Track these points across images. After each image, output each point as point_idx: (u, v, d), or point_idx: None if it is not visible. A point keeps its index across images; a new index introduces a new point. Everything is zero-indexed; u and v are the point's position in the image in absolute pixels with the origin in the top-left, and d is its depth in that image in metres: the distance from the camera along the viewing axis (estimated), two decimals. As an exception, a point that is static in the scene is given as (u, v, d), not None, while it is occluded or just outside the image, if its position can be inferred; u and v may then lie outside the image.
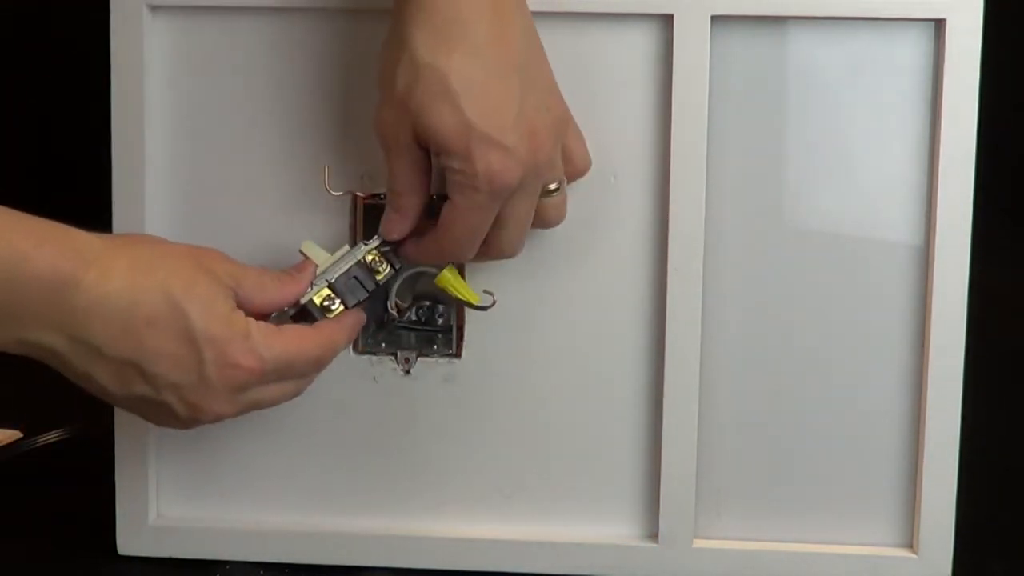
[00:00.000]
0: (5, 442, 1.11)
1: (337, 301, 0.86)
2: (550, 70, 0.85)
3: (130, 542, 0.95)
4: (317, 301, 0.85)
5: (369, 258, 0.87)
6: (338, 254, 0.87)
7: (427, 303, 0.94)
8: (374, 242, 0.87)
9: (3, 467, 1.09)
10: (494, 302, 0.91)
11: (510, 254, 0.86)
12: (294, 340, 0.82)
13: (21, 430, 1.13)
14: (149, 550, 0.95)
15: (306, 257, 0.87)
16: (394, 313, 0.92)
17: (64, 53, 1.27)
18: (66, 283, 0.76)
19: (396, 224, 0.86)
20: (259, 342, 0.80)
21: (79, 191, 1.09)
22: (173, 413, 0.81)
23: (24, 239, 0.76)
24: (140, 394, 0.79)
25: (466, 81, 0.80)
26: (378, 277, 0.87)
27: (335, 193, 0.90)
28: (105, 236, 0.80)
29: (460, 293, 0.90)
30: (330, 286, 0.86)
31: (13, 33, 1.29)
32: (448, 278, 0.90)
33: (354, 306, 0.86)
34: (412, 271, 0.90)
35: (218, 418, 0.82)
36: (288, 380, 0.84)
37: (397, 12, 0.82)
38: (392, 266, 0.87)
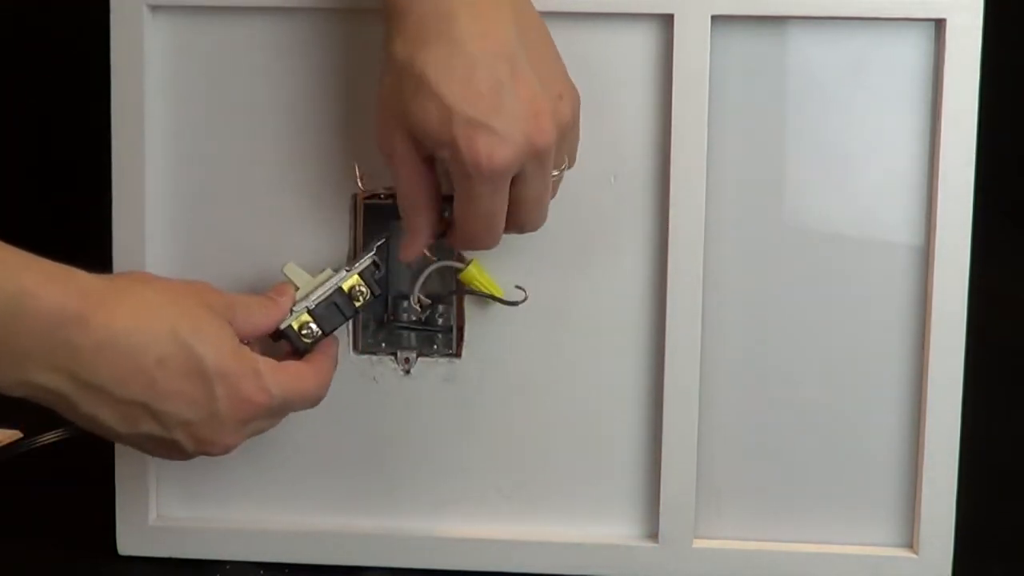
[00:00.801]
0: (5, 442, 1.11)
1: (314, 326, 0.86)
2: (556, 56, 0.84)
3: (130, 542, 0.95)
4: (296, 327, 0.86)
5: (349, 284, 0.87)
6: (320, 277, 0.87)
7: (428, 303, 0.93)
8: (357, 268, 0.87)
9: (3, 467, 1.08)
10: (525, 297, 0.91)
11: (531, 230, 0.86)
12: (297, 377, 0.84)
13: (21, 430, 1.13)
14: (149, 550, 0.95)
15: (288, 279, 0.87)
16: (416, 307, 0.92)
17: (64, 53, 1.27)
18: (73, 322, 0.76)
19: (410, 248, 0.86)
20: (268, 378, 0.81)
21: (79, 191, 1.09)
22: (180, 448, 0.81)
23: (31, 277, 0.75)
24: (148, 432, 0.80)
25: (444, 70, 0.79)
26: (357, 304, 0.88)
27: (365, 191, 0.91)
28: (105, 277, 0.80)
29: (486, 288, 0.90)
30: (310, 312, 0.86)
31: (13, 33, 1.29)
32: (473, 273, 0.90)
33: (329, 332, 0.87)
34: (436, 266, 0.91)
35: (226, 450, 0.83)
36: (286, 413, 0.85)
37: (384, 28, 0.82)
38: (372, 292, 0.88)
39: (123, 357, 0.77)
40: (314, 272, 0.88)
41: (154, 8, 0.91)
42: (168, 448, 0.81)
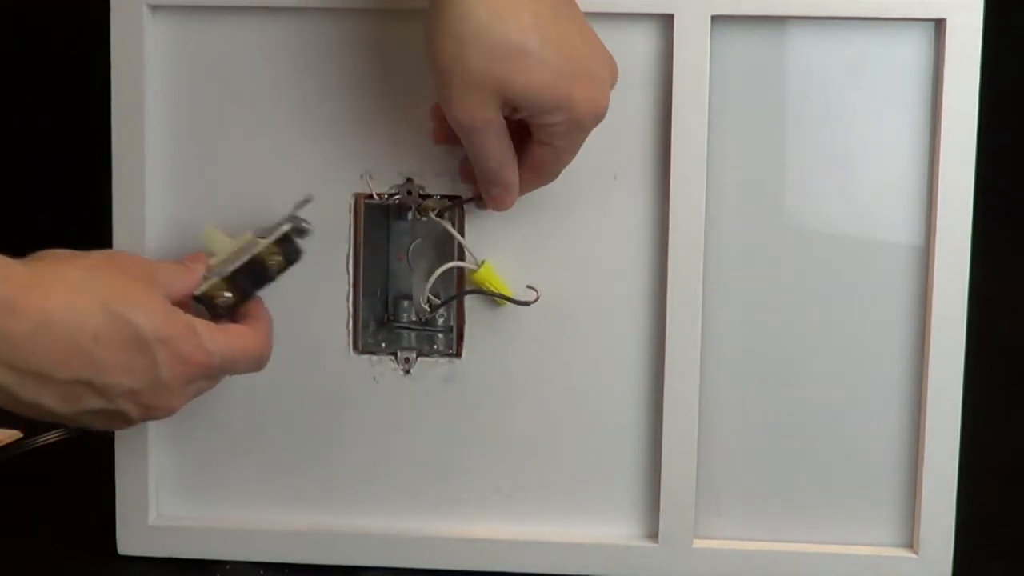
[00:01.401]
0: (5, 442, 1.11)
1: (228, 293, 0.85)
2: None
3: (130, 542, 0.95)
4: (210, 293, 0.85)
5: (265, 251, 0.86)
6: (238, 241, 0.86)
7: (437, 303, 0.93)
8: (273, 237, 0.86)
9: (3, 467, 1.09)
10: (537, 297, 0.91)
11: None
12: (235, 335, 0.83)
13: (21, 430, 1.13)
14: (149, 550, 0.95)
15: (206, 243, 0.87)
16: (427, 307, 0.92)
17: (64, 53, 1.27)
18: (2, 311, 0.74)
19: (506, 199, 0.87)
20: (206, 337, 0.81)
21: (79, 191, 1.09)
22: (125, 417, 0.80)
23: None
24: (92, 408, 0.79)
25: (529, 31, 0.79)
26: (273, 271, 0.86)
27: (377, 192, 0.91)
28: (24, 260, 0.78)
29: (497, 288, 0.90)
30: (225, 279, 0.86)
31: (13, 33, 1.29)
32: (484, 275, 0.90)
33: (244, 299, 0.86)
34: (448, 266, 0.91)
35: (171, 412, 0.82)
36: (227, 373, 0.85)
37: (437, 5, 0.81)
38: (288, 260, 0.86)
39: (59, 339, 0.76)
40: (235, 235, 0.87)
41: (154, 8, 0.91)
42: (112, 419, 0.80)
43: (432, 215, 0.91)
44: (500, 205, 0.87)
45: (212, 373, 0.82)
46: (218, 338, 0.82)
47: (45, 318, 0.75)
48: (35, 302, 0.75)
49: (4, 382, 0.76)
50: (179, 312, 0.81)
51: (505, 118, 0.83)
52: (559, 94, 0.81)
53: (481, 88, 0.80)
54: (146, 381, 0.79)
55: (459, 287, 0.92)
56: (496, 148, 0.84)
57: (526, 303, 0.91)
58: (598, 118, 0.83)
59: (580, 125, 0.82)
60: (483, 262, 0.91)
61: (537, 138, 0.84)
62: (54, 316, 0.76)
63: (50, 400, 0.77)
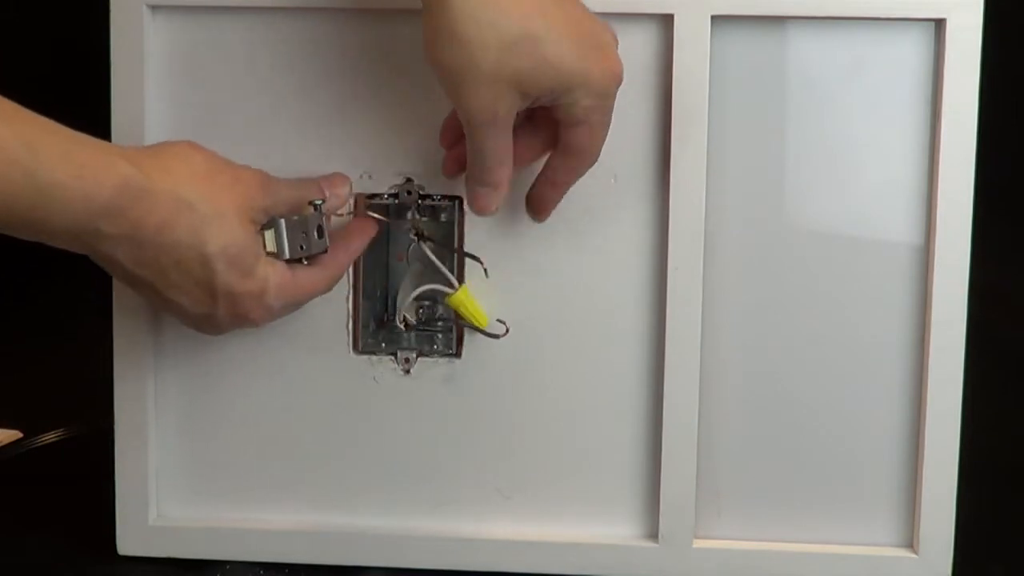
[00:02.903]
0: (5, 442, 1.11)
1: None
2: None
3: (130, 542, 0.95)
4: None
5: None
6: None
7: (427, 302, 0.94)
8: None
9: (3, 467, 1.09)
10: (507, 331, 0.91)
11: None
12: (306, 285, 0.87)
13: (21, 430, 1.13)
14: (149, 550, 0.95)
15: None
16: (401, 327, 0.92)
17: (64, 53, 1.27)
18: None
19: (493, 199, 0.87)
20: (272, 296, 0.85)
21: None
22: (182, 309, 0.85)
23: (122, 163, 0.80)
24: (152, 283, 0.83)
25: (534, 18, 0.80)
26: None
27: (372, 214, 0.92)
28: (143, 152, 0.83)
29: (471, 315, 0.91)
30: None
31: (13, 33, 1.29)
32: (461, 299, 0.91)
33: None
34: (424, 289, 0.92)
35: (219, 333, 0.88)
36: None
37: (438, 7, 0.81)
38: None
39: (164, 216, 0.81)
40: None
41: (154, 8, 0.91)
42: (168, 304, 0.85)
43: (423, 244, 0.92)
44: (485, 207, 0.87)
45: (271, 319, 0.87)
46: (286, 292, 0.85)
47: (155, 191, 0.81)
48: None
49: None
50: (260, 270, 0.84)
51: (527, 111, 0.83)
52: (576, 71, 0.81)
53: (495, 83, 0.80)
54: (199, 313, 0.84)
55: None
56: (499, 143, 0.84)
57: (494, 335, 0.91)
58: (618, 81, 0.83)
59: (605, 93, 0.83)
60: (462, 286, 0.91)
61: (567, 122, 0.84)
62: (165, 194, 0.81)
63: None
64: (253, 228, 0.84)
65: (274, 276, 0.85)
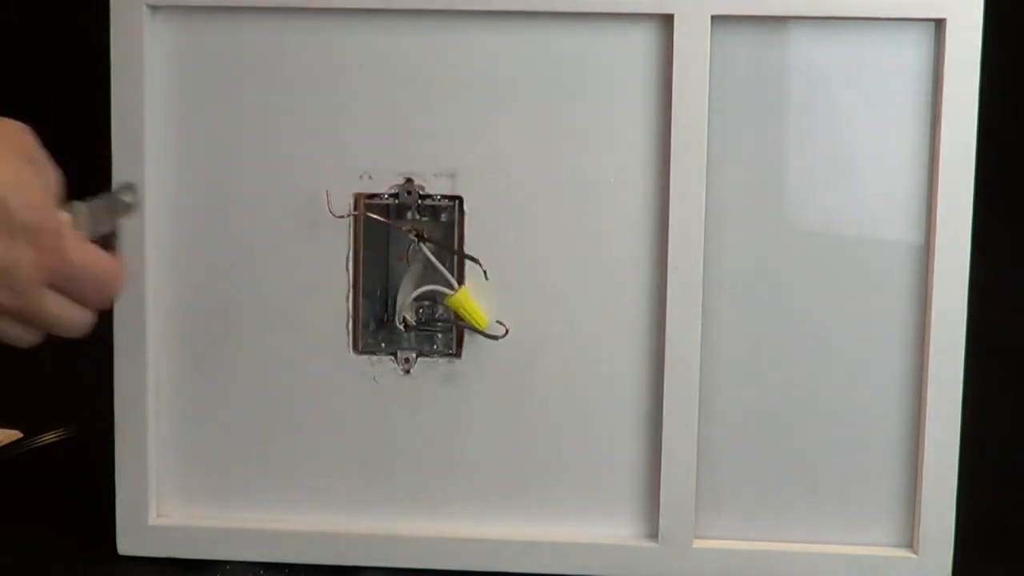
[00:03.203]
0: (5, 442, 1.11)
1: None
2: None
3: (130, 542, 0.95)
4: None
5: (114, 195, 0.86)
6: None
7: (427, 303, 0.94)
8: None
9: (3, 467, 1.09)
10: (506, 332, 0.91)
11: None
12: (100, 257, 0.80)
13: (21, 430, 1.13)
14: (149, 550, 0.95)
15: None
16: (401, 328, 0.92)
17: (64, 53, 1.27)
18: None
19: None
20: (70, 241, 0.78)
21: (79, 191, 1.09)
22: None
23: None
24: None
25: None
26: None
27: (338, 215, 0.91)
28: None
29: (471, 316, 0.91)
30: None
31: (13, 33, 1.29)
32: (461, 300, 0.91)
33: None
34: (424, 289, 0.92)
35: (31, 317, 0.79)
36: (75, 300, 0.81)
37: None
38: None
39: None
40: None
41: (154, 8, 0.91)
42: None
43: (423, 245, 0.92)
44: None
45: (66, 277, 0.79)
46: (83, 247, 0.79)
47: None
48: None
49: None
50: (56, 211, 0.79)
51: None
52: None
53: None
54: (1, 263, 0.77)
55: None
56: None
57: (493, 336, 0.91)
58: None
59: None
60: (462, 287, 0.91)
61: None
62: None
63: None
64: (40, 173, 0.79)
65: (67, 228, 0.79)
